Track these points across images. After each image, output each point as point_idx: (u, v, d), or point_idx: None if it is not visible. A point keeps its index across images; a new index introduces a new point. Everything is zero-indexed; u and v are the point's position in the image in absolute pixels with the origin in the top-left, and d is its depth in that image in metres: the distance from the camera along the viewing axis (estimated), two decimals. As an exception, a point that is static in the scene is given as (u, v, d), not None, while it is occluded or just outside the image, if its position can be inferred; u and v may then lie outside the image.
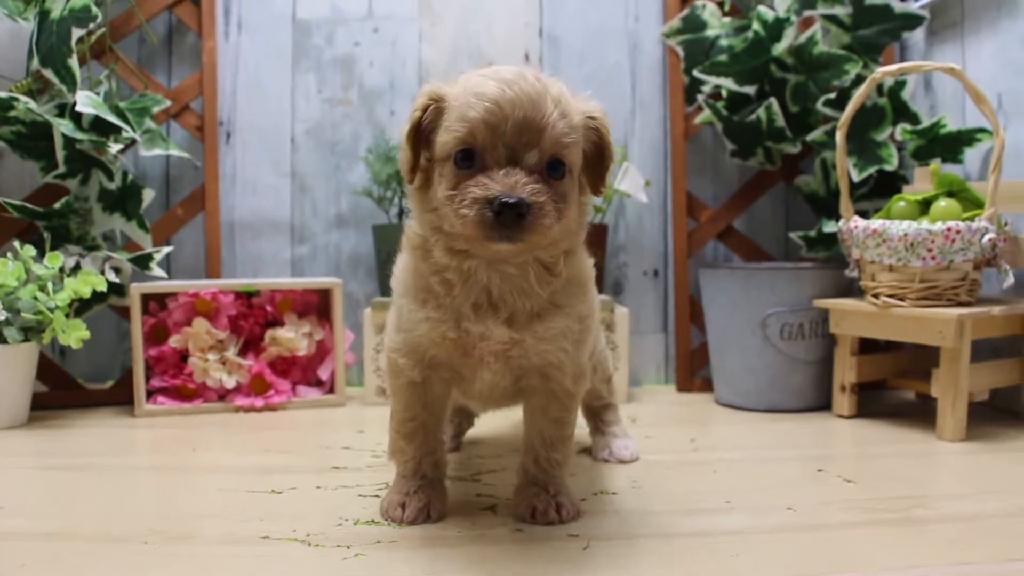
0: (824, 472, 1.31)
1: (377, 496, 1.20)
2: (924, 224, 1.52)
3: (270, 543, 1.03)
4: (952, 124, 1.79)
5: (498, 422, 1.60)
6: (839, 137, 1.64)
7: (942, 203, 1.57)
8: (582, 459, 1.41)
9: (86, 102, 1.66)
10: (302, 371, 1.86)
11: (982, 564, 0.94)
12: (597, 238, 1.89)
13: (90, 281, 1.63)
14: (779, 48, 1.82)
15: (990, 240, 1.50)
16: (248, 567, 0.95)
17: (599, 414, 1.44)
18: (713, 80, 1.86)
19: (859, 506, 1.14)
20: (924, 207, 1.62)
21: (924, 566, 0.94)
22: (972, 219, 1.53)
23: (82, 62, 1.76)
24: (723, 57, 1.84)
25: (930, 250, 1.51)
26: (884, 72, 1.59)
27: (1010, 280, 1.52)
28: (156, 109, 1.81)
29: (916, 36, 1.99)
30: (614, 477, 1.31)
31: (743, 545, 1.01)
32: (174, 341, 1.77)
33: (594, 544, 1.02)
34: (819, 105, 1.80)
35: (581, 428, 1.45)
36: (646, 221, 2.09)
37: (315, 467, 1.37)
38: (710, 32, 1.94)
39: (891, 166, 1.76)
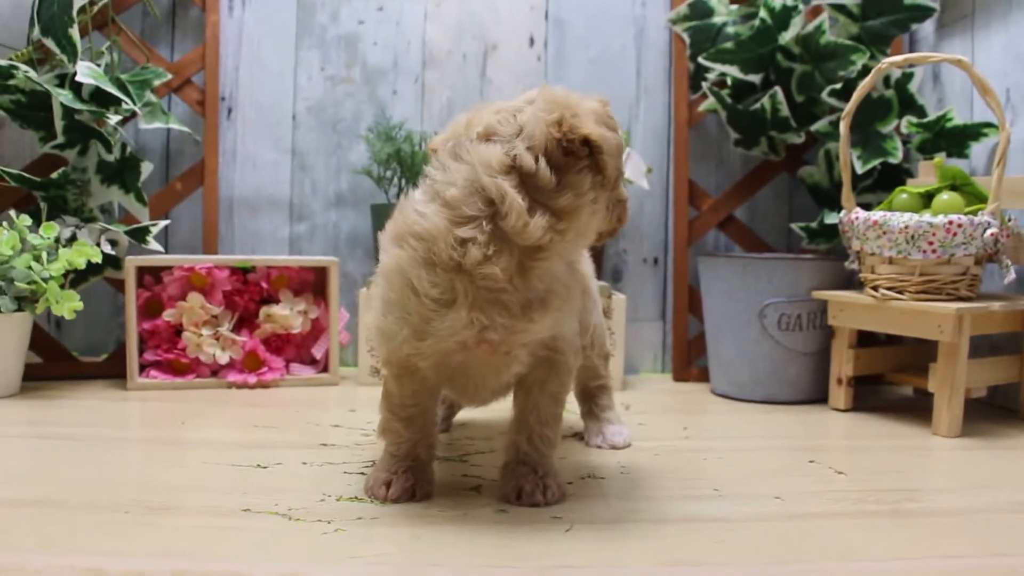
0: (815, 463, 1.30)
1: (362, 474, 1.20)
2: (925, 217, 1.50)
3: (250, 516, 1.02)
4: (959, 118, 1.77)
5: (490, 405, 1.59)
6: (843, 128, 1.62)
7: (944, 196, 1.55)
8: (573, 444, 1.40)
9: (86, 73, 1.66)
10: (296, 349, 1.85)
11: (966, 558, 0.93)
12: (597, 224, 1.88)
13: (85, 252, 1.63)
14: (786, 37, 1.80)
15: (992, 235, 1.48)
16: (226, 538, 0.95)
17: (594, 396, 1.43)
18: (718, 67, 1.84)
19: (848, 497, 1.13)
20: (927, 200, 1.60)
21: (908, 558, 0.93)
22: (975, 213, 1.51)
23: (84, 33, 1.75)
24: (729, 44, 1.83)
25: (931, 243, 1.49)
26: (890, 63, 1.57)
27: (1011, 276, 1.50)
28: (157, 82, 1.80)
29: (926, 28, 1.97)
30: (603, 462, 1.30)
31: (728, 532, 1.00)
32: (168, 315, 1.76)
33: (578, 527, 1.01)
34: (824, 95, 1.78)
35: (573, 413, 1.45)
36: (647, 208, 2.08)
37: (303, 444, 1.36)
38: (717, 19, 1.93)
39: (895, 159, 1.74)
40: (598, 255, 1.91)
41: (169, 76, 1.84)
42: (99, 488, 1.11)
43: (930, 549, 0.95)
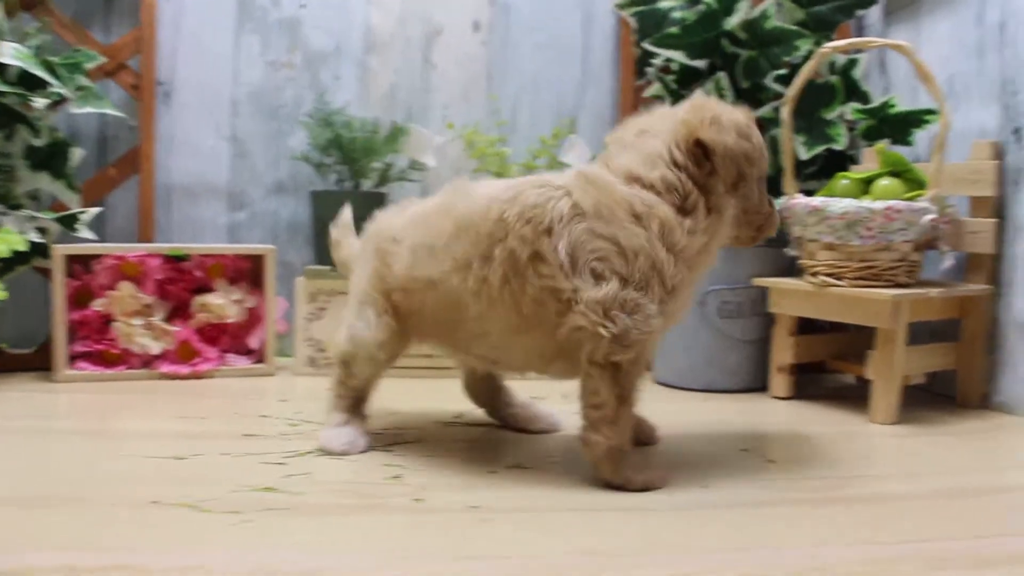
0: (748, 451, 1.28)
1: (282, 464, 1.17)
2: (864, 202, 1.48)
3: (157, 507, 0.99)
4: (906, 106, 1.75)
5: (418, 397, 1.57)
6: (784, 113, 1.60)
7: (884, 182, 1.54)
8: (505, 434, 1.37)
9: (11, 54, 1.60)
10: (232, 339, 1.81)
11: (890, 545, 0.91)
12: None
13: (9, 240, 1.58)
14: (731, 22, 1.77)
15: (931, 221, 1.47)
16: (126, 531, 0.91)
17: (504, 389, 1.41)
18: (663, 53, 1.82)
19: (776, 485, 1.11)
20: (867, 186, 1.58)
21: (831, 544, 0.91)
22: (914, 199, 1.50)
23: (11, 13, 1.70)
24: (674, 29, 1.80)
25: (869, 229, 1.48)
26: (832, 48, 1.56)
27: (950, 262, 1.49)
28: (90, 65, 1.75)
29: (873, 16, 1.96)
30: (531, 450, 1.27)
31: (647, 520, 0.98)
32: (98, 305, 1.71)
33: (495, 516, 0.98)
34: (769, 81, 1.76)
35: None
36: (594, 197, 2.05)
37: (226, 434, 1.33)
38: (663, 4, 1.90)
39: (840, 145, 1.72)
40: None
41: (102, 59, 1.79)
42: (3, 481, 1.07)
43: (855, 535, 0.94)
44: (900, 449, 1.32)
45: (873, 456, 1.29)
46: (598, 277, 1.07)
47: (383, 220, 1.29)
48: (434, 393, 1.61)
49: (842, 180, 1.60)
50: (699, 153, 1.11)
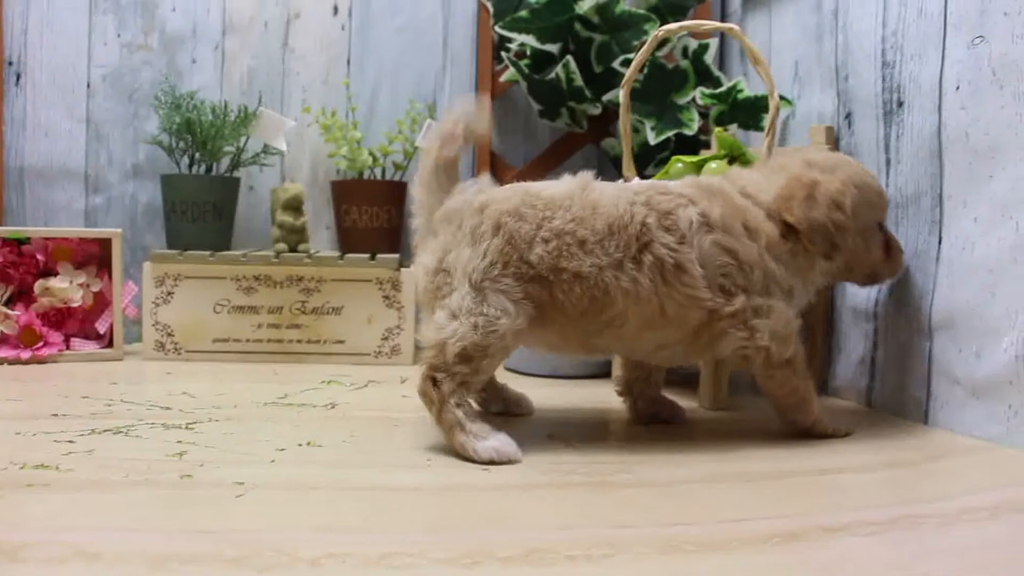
0: (553, 437, 1.26)
1: (71, 442, 1.14)
2: (692, 185, 1.49)
3: (-90, 487, 0.96)
4: (761, 91, 1.77)
5: (253, 378, 1.55)
6: (622, 95, 1.60)
7: (712, 164, 1.55)
8: (314, 412, 1.36)
9: None
10: (79, 323, 1.78)
11: (630, 528, 0.89)
12: (395, 195, 1.84)
13: None
14: (584, 6, 1.78)
15: (759, 203, 1.47)
16: None
17: None
18: (516, 37, 1.82)
19: (555, 469, 1.09)
20: (700, 170, 1.59)
21: (575, 527, 0.88)
22: (745, 182, 1.51)
23: None
24: (524, 13, 1.80)
25: (697, 211, 1.48)
26: (665, 31, 1.56)
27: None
28: (-70, 44, 1.72)
29: (735, 3, 1.97)
30: (333, 431, 1.26)
31: (418, 501, 0.96)
32: (-67, 288, 1.68)
33: (253, 492, 0.97)
34: (617, 65, 1.76)
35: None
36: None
37: (33, 414, 1.30)
38: (521, -12, 1.90)
39: (691, 130, 1.73)
40: (395, 230, 1.88)
41: (-56, 38, 1.75)
42: None
43: (600, 519, 0.91)
44: (709, 434, 1.31)
45: (678, 442, 1.27)
46: (726, 292, 1.16)
47: (488, 192, 1.20)
48: (268, 375, 1.59)
49: (677, 164, 1.60)
50: (789, 226, 1.19)
